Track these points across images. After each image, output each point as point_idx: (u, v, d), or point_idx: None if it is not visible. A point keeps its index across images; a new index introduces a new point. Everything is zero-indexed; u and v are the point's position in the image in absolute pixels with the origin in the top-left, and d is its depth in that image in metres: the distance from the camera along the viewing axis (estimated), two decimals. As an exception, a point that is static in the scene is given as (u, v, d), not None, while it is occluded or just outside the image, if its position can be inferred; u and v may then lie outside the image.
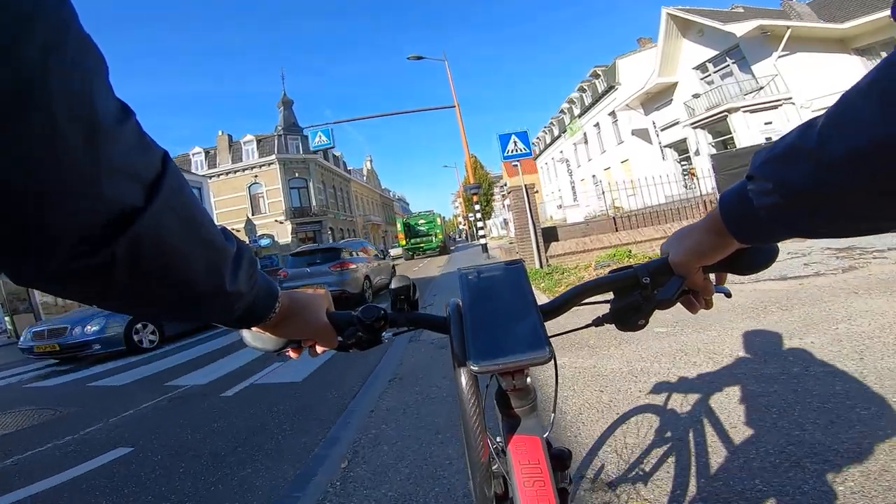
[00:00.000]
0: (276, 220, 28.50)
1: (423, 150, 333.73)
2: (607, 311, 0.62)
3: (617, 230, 8.57)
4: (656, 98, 21.20)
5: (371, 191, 49.35)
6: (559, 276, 6.94)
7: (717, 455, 1.78)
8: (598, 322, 0.63)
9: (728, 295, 0.62)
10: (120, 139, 0.27)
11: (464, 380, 0.54)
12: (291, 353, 0.62)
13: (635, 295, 0.58)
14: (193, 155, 30.45)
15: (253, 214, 28.62)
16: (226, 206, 28.77)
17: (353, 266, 9.34)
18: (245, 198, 29.19)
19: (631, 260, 7.16)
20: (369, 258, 10.65)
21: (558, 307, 0.62)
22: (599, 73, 26.55)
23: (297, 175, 29.90)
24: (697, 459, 1.77)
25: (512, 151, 8.76)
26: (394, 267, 13.35)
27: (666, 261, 0.57)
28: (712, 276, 0.60)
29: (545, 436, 0.57)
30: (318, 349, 0.63)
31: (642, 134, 22.41)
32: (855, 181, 0.31)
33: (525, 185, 8.37)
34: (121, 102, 0.28)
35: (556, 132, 34.84)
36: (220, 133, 30.71)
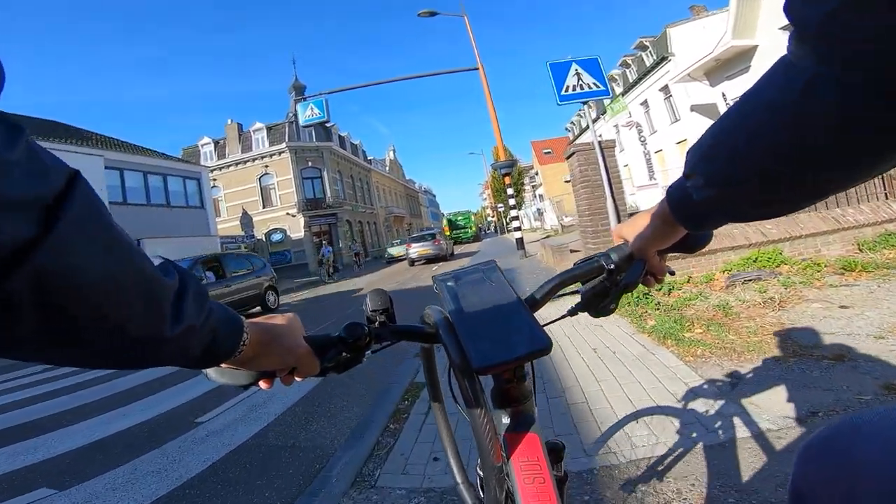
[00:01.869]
0: (287, 213, 26.82)
1: (448, 143, 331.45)
2: (578, 300, 0.67)
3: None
4: (728, 65, 17.82)
5: (394, 182, 47.45)
6: (685, 314, 4.00)
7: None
8: (572, 312, 0.67)
9: (672, 273, 0.69)
10: (13, 169, 0.24)
11: (467, 385, 0.54)
12: (263, 385, 0.56)
13: (602, 282, 0.64)
14: (202, 146, 29.03)
15: (264, 207, 27.09)
16: (236, 198, 27.29)
17: (442, 242, 18.05)
18: (256, 189, 27.59)
19: (786, 266, 4.44)
20: (445, 239, 19.66)
21: (538, 301, 0.64)
22: (647, 44, 23.21)
23: (310, 164, 28.10)
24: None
25: (572, 90, 5.51)
26: (454, 244, 23.06)
27: (626, 248, 0.64)
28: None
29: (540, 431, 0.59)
30: (296, 377, 0.58)
31: (707, 110, 18.83)
32: (762, 171, 0.39)
33: (599, 143, 5.25)
34: (8, 120, 0.26)
35: (593, 114, 31.35)
36: (229, 122, 29.08)
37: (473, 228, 39.45)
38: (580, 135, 35.16)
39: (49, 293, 0.26)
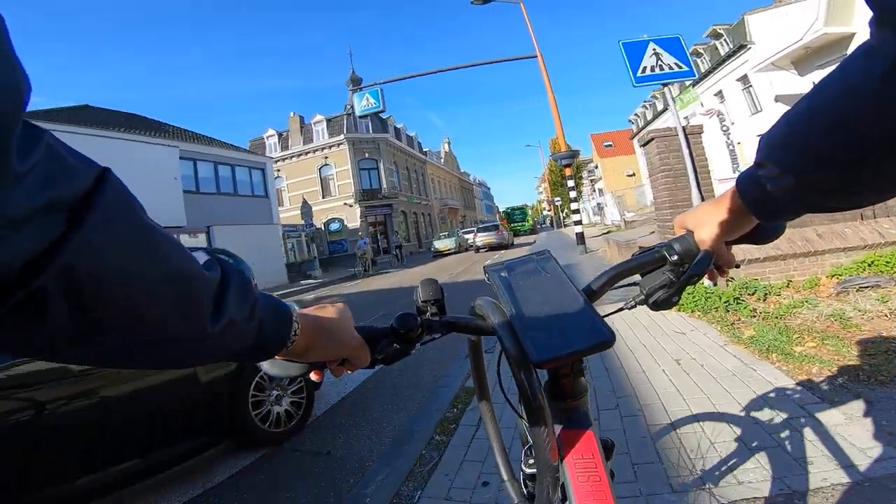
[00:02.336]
0: (345, 204, 27.65)
1: (503, 135, 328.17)
2: (637, 293, 0.64)
3: (863, 217, 4.36)
4: (819, 54, 16.34)
5: (449, 174, 47.81)
6: (790, 323, 3.32)
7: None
8: (630, 305, 0.64)
9: (737, 266, 0.65)
10: (26, 177, 0.24)
11: (525, 379, 0.51)
12: (313, 376, 0.57)
13: (665, 273, 0.62)
14: (267, 138, 30.45)
15: (323, 197, 28.07)
16: (298, 188, 28.45)
17: (504, 232, 20.74)
18: (316, 180, 28.71)
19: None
20: (507, 230, 22.97)
21: (595, 292, 0.63)
22: (721, 31, 21.48)
23: (367, 156, 28.85)
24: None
25: (650, 71, 4.81)
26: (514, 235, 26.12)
27: (691, 238, 0.61)
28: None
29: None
30: (345, 369, 0.58)
31: (794, 100, 16.78)
32: (841, 160, 0.37)
33: (684, 129, 4.54)
34: (28, 128, 0.25)
35: (658, 107, 29.92)
36: (291, 115, 30.44)
37: (530, 222, 41.18)
38: (646, 126, 33.05)
39: (81, 292, 0.26)
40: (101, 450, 1.92)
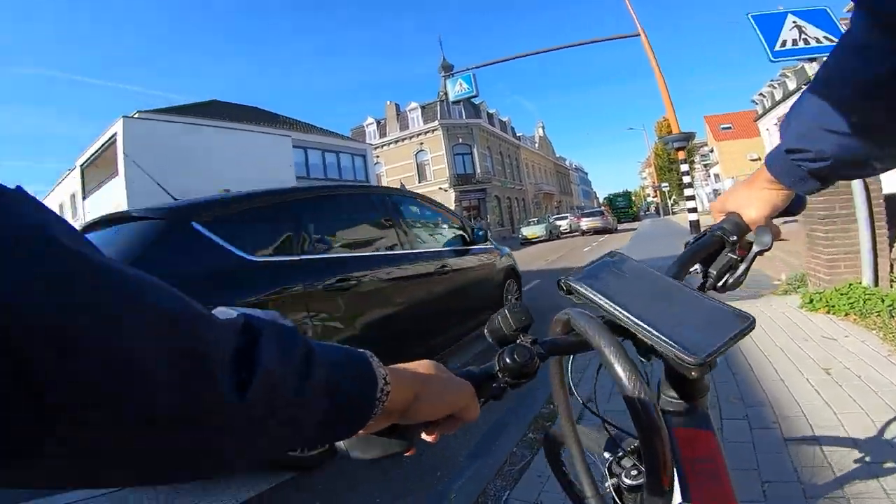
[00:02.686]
0: (440, 188, 28.29)
1: (601, 119, 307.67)
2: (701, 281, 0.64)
3: None
4: None
5: (543, 158, 46.78)
6: None
7: None
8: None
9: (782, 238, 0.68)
10: None
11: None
12: (409, 452, 0.44)
13: (727, 256, 0.63)
14: (367, 126, 32.02)
15: (419, 182, 28.90)
16: (395, 174, 29.58)
17: (609, 217, 22.09)
18: (412, 166, 29.75)
19: None
20: (611, 215, 23.79)
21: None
22: None
23: (460, 141, 29.30)
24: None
25: (791, 45, 4.17)
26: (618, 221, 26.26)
27: (739, 219, 0.64)
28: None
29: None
30: (448, 429, 0.47)
31: None
32: (869, 143, 0.43)
33: None
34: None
35: (790, 86, 26.21)
36: (388, 103, 31.70)
37: (634, 209, 40.91)
38: (774, 107, 28.61)
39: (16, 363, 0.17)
40: (444, 321, 3.17)
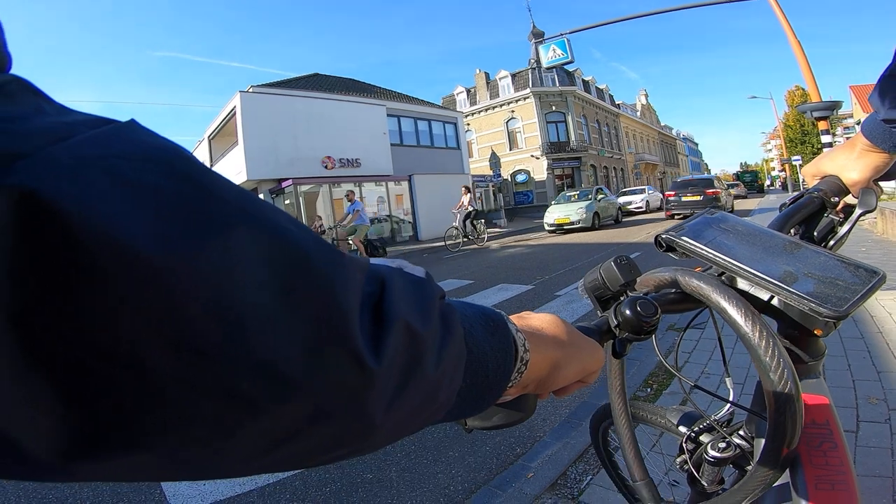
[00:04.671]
0: (531, 156, 27.76)
1: (716, 89, 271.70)
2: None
3: None
4: None
5: (646, 127, 43.37)
6: None
7: None
8: None
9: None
10: None
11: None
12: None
13: (829, 217, 0.62)
14: (457, 94, 31.87)
15: (511, 150, 28.54)
16: (486, 141, 29.38)
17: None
18: (503, 133, 29.27)
19: None
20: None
21: None
22: None
23: (553, 109, 28.12)
24: None
25: None
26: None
27: (839, 181, 0.64)
28: None
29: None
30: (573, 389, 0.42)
31: None
32: None
33: None
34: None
35: None
36: (477, 71, 31.26)
37: (760, 182, 41.46)
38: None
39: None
40: None
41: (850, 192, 0.64)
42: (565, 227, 12.68)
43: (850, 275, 0.48)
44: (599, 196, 13.98)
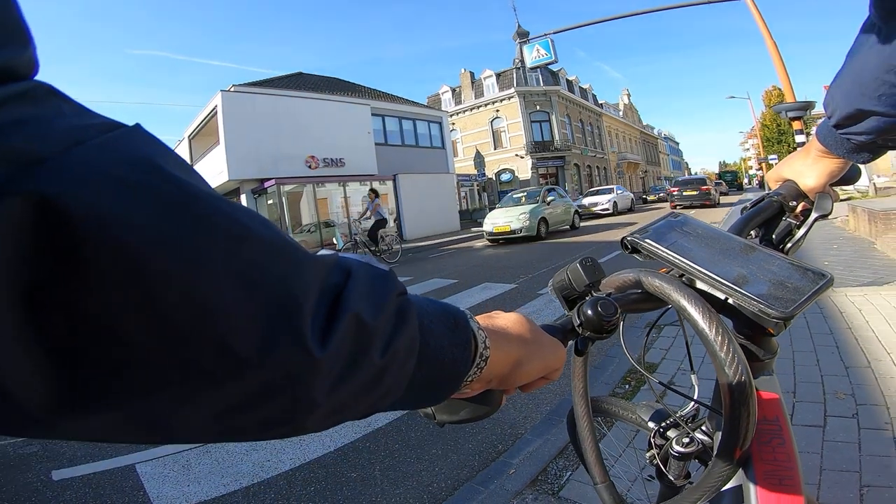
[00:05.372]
0: (516, 155, 27.90)
1: (695, 89, 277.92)
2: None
3: None
4: None
5: (628, 126, 44.08)
6: None
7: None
8: None
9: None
10: None
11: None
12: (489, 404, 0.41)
13: (786, 220, 0.65)
14: (442, 94, 31.88)
15: (495, 149, 28.64)
16: (470, 140, 29.46)
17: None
18: (488, 132, 29.36)
19: None
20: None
21: None
22: None
23: (538, 108, 28.34)
24: None
25: None
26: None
27: (796, 186, 0.66)
28: None
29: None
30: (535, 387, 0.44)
31: None
32: None
33: None
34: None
35: None
36: (462, 70, 31.36)
37: (739, 180, 42.89)
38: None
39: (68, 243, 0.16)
40: None
41: (807, 197, 0.66)
42: (503, 238, 10.53)
43: (799, 277, 0.50)
44: (549, 198, 11.51)
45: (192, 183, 0.20)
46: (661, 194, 26.25)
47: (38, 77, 0.20)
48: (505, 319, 0.40)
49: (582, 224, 13.67)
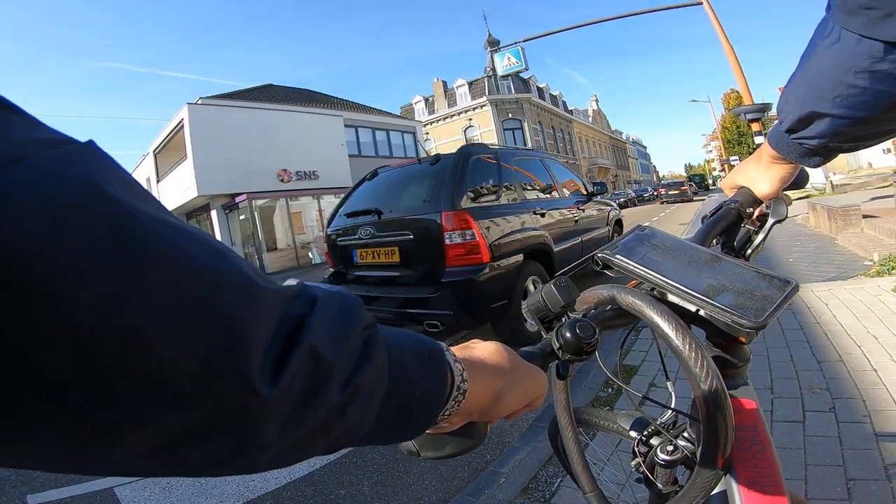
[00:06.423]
0: None
1: (660, 93, 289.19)
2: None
3: None
4: None
5: (598, 132, 45.27)
6: None
7: None
8: None
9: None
10: None
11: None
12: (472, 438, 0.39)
13: (745, 227, 0.66)
14: (415, 103, 32.06)
15: (468, 159, 28.66)
16: (445, 149, 28.78)
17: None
18: (462, 141, 29.58)
19: None
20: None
21: None
22: None
23: (510, 116, 28.88)
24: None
25: None
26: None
27: (751, 193, 0.67)
28: None
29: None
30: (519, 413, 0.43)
31: None
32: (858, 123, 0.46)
33: None
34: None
35: None
36: (435, 80, 31.58)
37: (706, 182, 45.99)
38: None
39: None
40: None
41: (762, 203, 0.67)
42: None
43: (766, 285, 0.51)
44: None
45: (137, 207, 0.18)
46: (646, 195, 32.80)
47: None
48: (483, 350, 0.39)
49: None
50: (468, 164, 3.16)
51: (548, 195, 4.06)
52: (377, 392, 0.26)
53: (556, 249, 3.63)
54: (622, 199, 25.01)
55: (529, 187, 3.83)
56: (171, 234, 0.19)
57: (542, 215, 3.61)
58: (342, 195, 4.26)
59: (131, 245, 0.18)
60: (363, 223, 3.29)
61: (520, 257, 3.13)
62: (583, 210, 4.43)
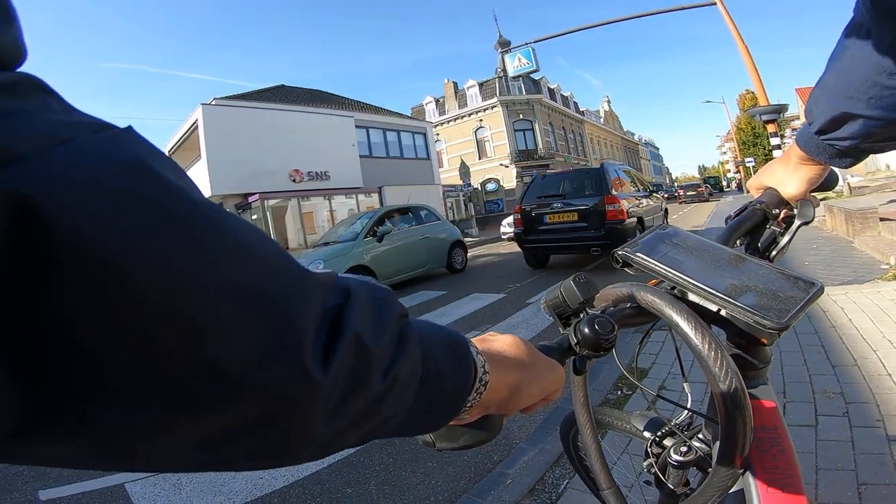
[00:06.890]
0: (500, 164, 28.05)
1: (674, 94, 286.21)
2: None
3: None
4: None
5: (610, 133, 44.92)
6: None
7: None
8: None
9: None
10: None
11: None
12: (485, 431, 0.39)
13: (770, 229, 0.65)
14: (426, 104, 32.08)
15: (480, 159, 28.86)
16: (455, 151, 29.66)
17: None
18: (472, 142, 29.60)
19: None
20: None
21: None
22: None
23: (521, 117, 28.67)
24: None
25: None
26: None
27: (778, 194, 0.67)
28: None
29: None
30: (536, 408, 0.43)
31: None
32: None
33: None
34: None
35: None
36: (445, 81, 31.53)
37: (721, 184, 47.46)
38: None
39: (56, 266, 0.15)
40: None
41: (789, 204, 0.67)
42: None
43: (790, 287, 0.50)
44: (380, 229, 6.72)
45: (186, 189, 0.18)
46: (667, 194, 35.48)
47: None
48: (502, 343, 0.39)
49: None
50: (607, 171, 6.58)
51: (636, 188, 7.54)
52: (412, 382, 0.26)
53: (645, 218, 7.08)
54: None
55: (629, 184, 7.28)
56: (224, 218, 0.19)
57: (637, 199, 7.12)
58: (353, 196, 4.60)
59: (186, 227, 0.17)
60: (552, 201, 6.58)
61: (634, 219, 6.49)
62: (649, 199, 7.95)
